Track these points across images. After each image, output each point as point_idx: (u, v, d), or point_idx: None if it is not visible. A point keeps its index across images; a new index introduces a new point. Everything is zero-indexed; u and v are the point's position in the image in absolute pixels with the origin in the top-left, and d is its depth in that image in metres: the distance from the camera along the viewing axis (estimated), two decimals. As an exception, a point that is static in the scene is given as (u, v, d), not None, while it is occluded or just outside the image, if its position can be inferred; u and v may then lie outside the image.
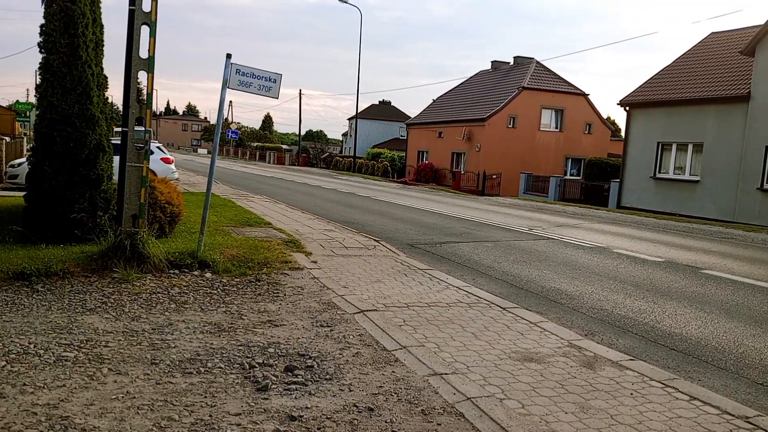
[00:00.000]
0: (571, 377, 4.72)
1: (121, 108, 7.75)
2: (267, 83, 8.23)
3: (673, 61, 26.26)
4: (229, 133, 56.03)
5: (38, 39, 8.00)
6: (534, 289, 8.03)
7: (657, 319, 6.80)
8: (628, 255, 11.22)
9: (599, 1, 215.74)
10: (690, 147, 22.81)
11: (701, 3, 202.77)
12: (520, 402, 4.20)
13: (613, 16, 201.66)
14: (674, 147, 23.45)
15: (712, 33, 26.56)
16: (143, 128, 7.44)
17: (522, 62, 41.27)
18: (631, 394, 4.46)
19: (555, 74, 39.68)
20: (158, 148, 19.69)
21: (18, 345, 4.72)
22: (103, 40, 8.72)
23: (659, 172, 24.00)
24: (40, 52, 8.01)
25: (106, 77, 8.77)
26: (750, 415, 4.21)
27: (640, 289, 8.30)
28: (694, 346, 5.86)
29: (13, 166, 17.48)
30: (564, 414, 4.05)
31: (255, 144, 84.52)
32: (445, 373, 4.63)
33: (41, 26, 7.97)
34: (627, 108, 25.62)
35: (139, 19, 7.34)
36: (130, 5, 7.36)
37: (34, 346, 4.71)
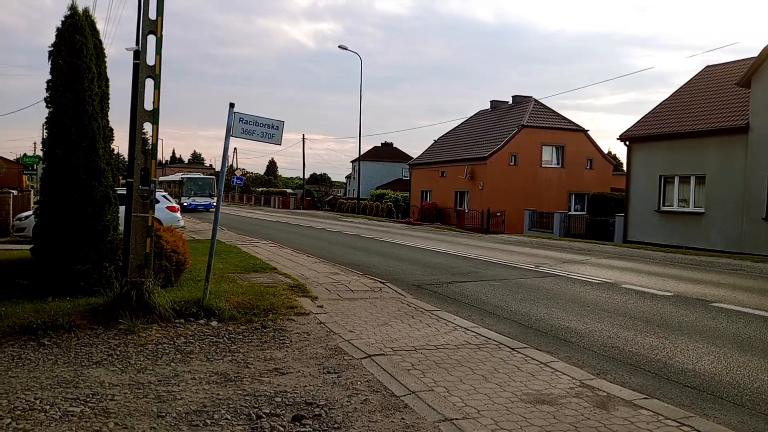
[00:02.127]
0: (584, 419, 4.63)
1: (126, 158, 7.86)
2: (270, 130, 8.35)
3: (671, 95, 26.56)
4: (234, 180, 56.71)
5: (45, 94, 8.18)
6: (543, 328, 7.95)
7: (669, 355, 6.70)
8: (637, 290, 11.13)
9: (594, 40, 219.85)
10: (692, 179, 22.85)
11: (695, 37, 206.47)
12: (534, 446, 4.11)
13: (609, 53, 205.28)
14: (677, 179, 23.49)
15: (708, 66, 26.93)
16: (150, 180, 7.52)
17: (520, 101, 41.79)
18: (647, 434, 4.36)
19: (554, 111, 40.15)
20: (164, 196, 19.86)
21: (24, 401, 4.67)
22: (108, 94, 8.91)
23: (663, 205, 23.98)
24: (47, 106, 8.18)
25: (111, 129, 8.93)
26: (770, 453, 4.10)
27: (650, 324, 8.21)
28: (708, 382, 5.76)
29: (20, 219, 17.61)
30: (579, 458, 3.96)
31: (260, 189, 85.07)
32: (456, 419, 4.55)
33: (48, 81, 8.16)
34: (627, 143, 25.79)
35: (143, 72, 7.51)
36: (134, 59, 7.55)
37: (40, 402, 4.66)
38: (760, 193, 19.98)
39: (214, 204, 47.91)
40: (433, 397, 5.00)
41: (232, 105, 8.04)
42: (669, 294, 10.74)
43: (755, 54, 20.77)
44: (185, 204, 42.64)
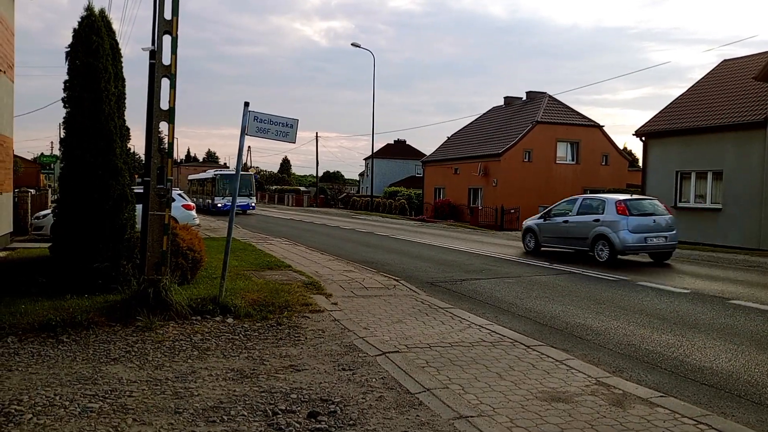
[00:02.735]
0: (600, 416, 4.61)
1: (142, 157, 7.94)
2: (284, 129, 8.39)
3: (687, 90, 26.26)
4: (248, 178, 56.24)
5: (62, 94, 8.28)
6: (558, 325, 7.92)
7: (686, 353, 6.65)
8: (653, 287, 11.04)
9: (609, 34, 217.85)
10: (709, 175, 22.59)
11: (712, 31, 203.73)
12: (549, 444, 4.11)
13: (623, 48, 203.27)
14: (693, 175, 23.24)
15: (725, 60, 26.59)
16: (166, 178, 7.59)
17: (534, 97, 41.55)
18: (664, 432, 4.34)
19: (568, 107, 39.86)
20: (179, 195, 20.02)
21: (44, 397, 4.75)
22: (124, 93, 9.01)
23: (680, 201, 23.73)
24: (65, 106, 8.29)
25: (128, 129, 9.03)
26: (789, 452, 4.06)
27: (666, 322, 8.15)
28: (726, 380, 5.71)
29: (38, 217, 17.86)
30: (595, 455, 3.95)
31: (274, 187, 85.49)
32: (471, 416, 4.55)
33: (65, 82, 8.26)
34: (643, 138, 25.55)
35: (159, 72, 7.57)
36: (150, 59, 7.62)
37: (60, 398, 4.74)
38: (779, 189, 19.70)
39: (253, 204, 39.67)
40: (448, 395, 5.01)
41: (246, 104, 8.09)
42: (686, 291, 10.64)
43: (774, 48, 20.47)
44: (219, 205, 38.35)
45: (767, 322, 8.19)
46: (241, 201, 36.65)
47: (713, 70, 26.47)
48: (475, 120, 46.85)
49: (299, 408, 4.65)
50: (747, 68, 23.78)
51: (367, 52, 52.82)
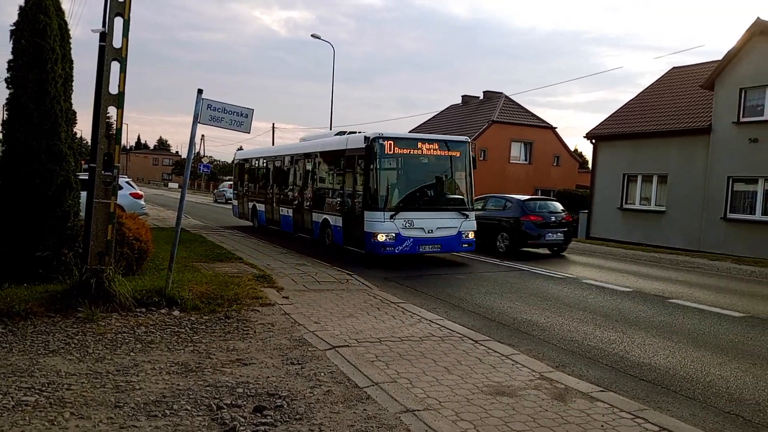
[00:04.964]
0: (542, 410, 4.72)
1: (89, 142, 7.68)
2: (239, 118, 8.26)
3: (637, 95, 27.07)
4: (201, 168, 55.19)
5: (5, 74, 7.94)
6: (506, 321, 8.07)
7: (626, 349, 6.87)
8: (598, 285, 11.37)
9: (565, 38, 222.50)
10: (655, 178, 23.37)
11: (663, 39, 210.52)
12: (492, 437, 4.18)
13: (579, 52, 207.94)
14: (640, 178, 24.00)
15: (674, 68, 27.51)
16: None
17: (491, 96, 42.07)
18: (602, 426, 4.47)
19: (523, 108, 40.54)
20: (127, 183, 19.46)
21: (-25, 390, 4.55)
22: (72, 76, 8.68)
23: (626, 203, 24.49)
24: (8, 87, 7.93)
25: (74, 112, 8.70)
26: (718, 445, 4.25)
27: (609, 319, 8.40)
28: (663, 376, 5.93)
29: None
30: (536, 449, 4.04)
31: (227, 177, 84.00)
32: (417, 410, 4.59)
33: (9, 62, 7.91)
34: (593, 141, 26.22)
35: (109, 55, 7.33)
36: (100, 41, 7.36)
37: (-7, 391, 4.55)
38: (720, 194, 20.55)
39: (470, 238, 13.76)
40: (396, 389, 5.04)
41: (200, 91, 7.92)
42: (628, 290, 11.00)
43: (720, 57, 21.32)
44: (383, 240, 12.36)
45: (704, 320, 8.54)
46: (443, 227, 13.17)
47: (662, 76, 27.36)
48: (433, 117, 47.11)
49: (245, 402, 4.60)
50: (694, 76, 24.67)
51: (327, 44, 52.15)
